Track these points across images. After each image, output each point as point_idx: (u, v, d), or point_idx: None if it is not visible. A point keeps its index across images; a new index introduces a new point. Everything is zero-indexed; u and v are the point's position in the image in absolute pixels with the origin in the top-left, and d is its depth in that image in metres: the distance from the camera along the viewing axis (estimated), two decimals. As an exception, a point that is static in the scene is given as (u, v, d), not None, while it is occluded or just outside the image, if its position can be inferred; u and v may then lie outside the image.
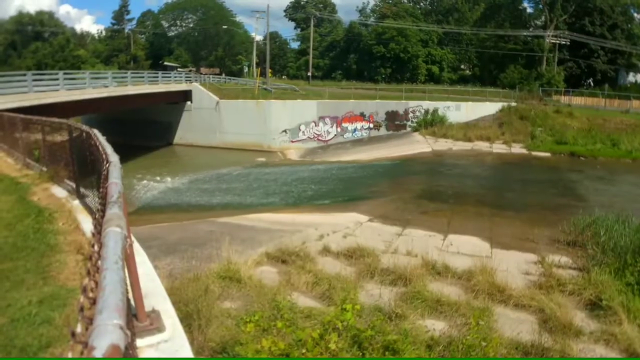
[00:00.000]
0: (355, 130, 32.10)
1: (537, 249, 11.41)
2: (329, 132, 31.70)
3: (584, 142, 28.77)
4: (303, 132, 30.82)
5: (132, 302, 2.72)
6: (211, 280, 7.76)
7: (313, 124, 31.06)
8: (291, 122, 30.62)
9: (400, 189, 18.65)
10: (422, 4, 70.04)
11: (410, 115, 33.41)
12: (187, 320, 5.93)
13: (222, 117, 31.65)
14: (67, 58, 62.18)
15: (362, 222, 13.52)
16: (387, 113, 32.94)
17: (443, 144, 29.77)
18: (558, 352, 6.52)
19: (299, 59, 74.51)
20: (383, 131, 32.60)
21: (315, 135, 31.00)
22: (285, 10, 78.44)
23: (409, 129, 33.00)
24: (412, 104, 33.84)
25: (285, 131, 30.73)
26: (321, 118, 31.32)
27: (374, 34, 61.86)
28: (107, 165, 3.13)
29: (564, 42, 50.54)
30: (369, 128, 32.32)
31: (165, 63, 72.59)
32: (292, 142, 30.50)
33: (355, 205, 16.23)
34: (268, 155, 28.90)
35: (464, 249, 11.14)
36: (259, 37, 66.48)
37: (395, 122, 32.95)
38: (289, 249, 9.92)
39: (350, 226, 13.05)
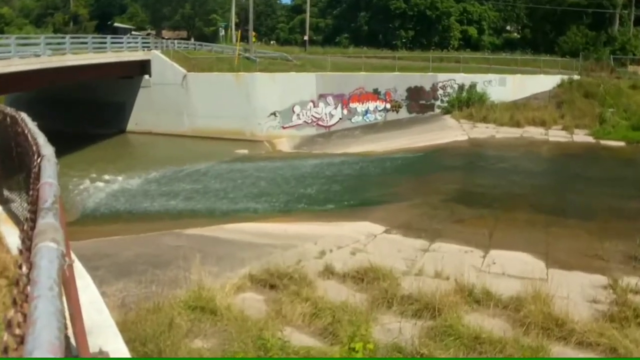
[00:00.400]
0: (366, 112, 31.79)
1: (608, 269, 11.45)
2: (332, 115, 31.30)
3: (671, 127, 28.79)
4: (298, 115, 30.57)
5: (73, 340, 2.73)
6: (177, 311, 7.72)
7: (311, 104, 30.97)
8: (282, 102, 30.49)
9: (427, 189, 18.71)
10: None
11: (440, 92, 33.61)
12: (146, 364, 5.92)
13: (191, 96, 31.74)
14: (-15, 18, 62.25)
15: (376, 234, 13.63)
16: (409, 90, 33.05)
17: (483, 130, 29.82)
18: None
19: (293, 18, 74.68)
20: (404, 113, 32.53)
21: (314, 120, 30.92)
22: (273, -46, 78.60)
23: (437, 110, 33.06)
24: (442, 77, 34.02)
25: (274, 114, 30.45)
26: (322, 97, 31.26)
27: (392, -15, 62.00)
28: (38, 160, 3.15)
29: (643, -5, 50.55)
30: (385, 109, 32.25)
31: (116, 24, 72.79)
32: (284, 128, 30.25)
33: (367, 211, 16.37)
34: (251, 146, 28.38)
35: (511, 268, 11.22)
36: (239, -10, 66.61)
37: (419, 102, 33.06)
38: (279, 270, 9.98)
39: (360, 239, 13.18)
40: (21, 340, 1.19)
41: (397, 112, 32.47)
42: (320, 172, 22.52)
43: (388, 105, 32.44)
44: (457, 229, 14.56)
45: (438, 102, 33.44)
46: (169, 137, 30.48)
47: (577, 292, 9.82)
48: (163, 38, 52.58)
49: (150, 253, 11.68)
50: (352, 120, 31.64)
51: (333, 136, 29.83)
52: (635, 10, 51.56)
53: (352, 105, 31.71)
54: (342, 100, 31.57)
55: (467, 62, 39.69)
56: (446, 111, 32.87)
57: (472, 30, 63.13)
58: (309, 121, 30.87)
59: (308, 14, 60.30)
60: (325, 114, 31.39)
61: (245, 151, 27.20)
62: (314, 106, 30.99)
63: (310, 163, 24.05)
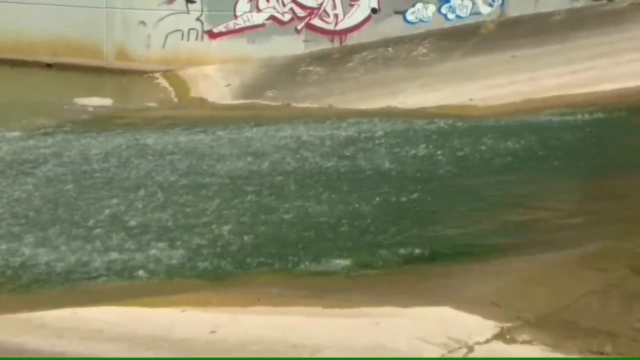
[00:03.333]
0: None
1: None
2: (352, 2, 16.43)
3: None
4: None
5: None
6: None
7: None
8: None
9: (620, 214, 10.03)
10: None
11: None
12: None
13: None
14: None
15: (471, 344, 6.66)
16: None
17: None
18: None
19: None
20: (550, 0, 17.51)
21: (300, 12, 16.92)
22: None
23: None
24: None
25: None
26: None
27: None
28: None
29: None
30: None
31: None
32: (212, 36, 16.87)
33: (448, 276, 8.46)
34: (121, 85, 16.32)
35: None
36: None
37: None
38: None
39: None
40: None
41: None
42: (319, 162, 12.15)
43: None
44: None
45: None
46: None
47: None
48: None
49: None
50: (409, 18, 16.99)
51: (354, 60, 16.57)
52: None
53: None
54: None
55: None
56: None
57: None
58: (286, 18, 16.69)
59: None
60: (332, -1, 16.61)
61: (105, 101, 15.36)
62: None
63: (289, 139, 13.19)
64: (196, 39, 16.59)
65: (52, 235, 9.25)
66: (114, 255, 8.76)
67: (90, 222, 9.60)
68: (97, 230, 9.34)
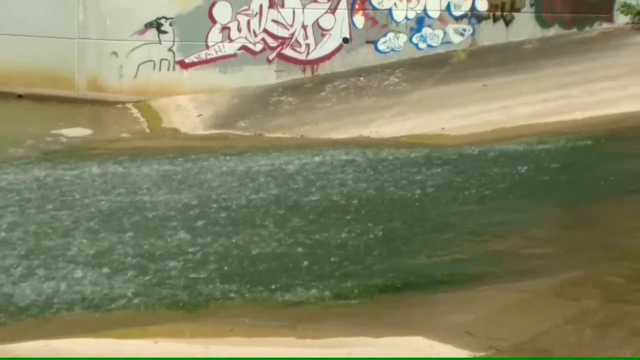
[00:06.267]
0: (421, 23, 16.97)
1: None
2: (322, 32, 16.31)
3: None
4: (224, 29, 16.60)
5: None
6: None
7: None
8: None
9: (589, 242, 9.70)
10: None
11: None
12: None
13: None
14: None
15: None
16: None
17: None
18: None
19: None
20: (526, 27, 17.42)
21: (274, 42, 16.64)
22: None
23: (620, 20, 17.66)
24: None
25: (155, 26, 16.09)
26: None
27: None
28: None
29: None
30: (474, 17, 17.10)
31: None
32: (185, 67, 16.79)
33: (422, 305, 8.32)
34: (97, 116, 15.88)
35: None
36: None
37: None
38: None
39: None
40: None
41: (507, 22, 17.01)
42: (288, 192, 11.86)
43: (482, 5, 16.98)
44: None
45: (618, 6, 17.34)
46: None
47: None
48: None
49: None
50: (380, 48, 16.80)
51: (326, 89, 16.50)
52: None
53: (380, 4, 16.85)
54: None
55: None
56: None
57: None
58: (258, 48, 16.47)
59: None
60: (304, 28, 16.15)
61: (77, 131, 15.14)
62: (273, 5, 16.47)
63: (259, 168, 12.95)
64: (168, 69, 16.47)
65: (25, 267, 9.02)
66: (85, 286, 8.55)
67: (62, 254, 9.40)
68: (69, 262, 9.13)
